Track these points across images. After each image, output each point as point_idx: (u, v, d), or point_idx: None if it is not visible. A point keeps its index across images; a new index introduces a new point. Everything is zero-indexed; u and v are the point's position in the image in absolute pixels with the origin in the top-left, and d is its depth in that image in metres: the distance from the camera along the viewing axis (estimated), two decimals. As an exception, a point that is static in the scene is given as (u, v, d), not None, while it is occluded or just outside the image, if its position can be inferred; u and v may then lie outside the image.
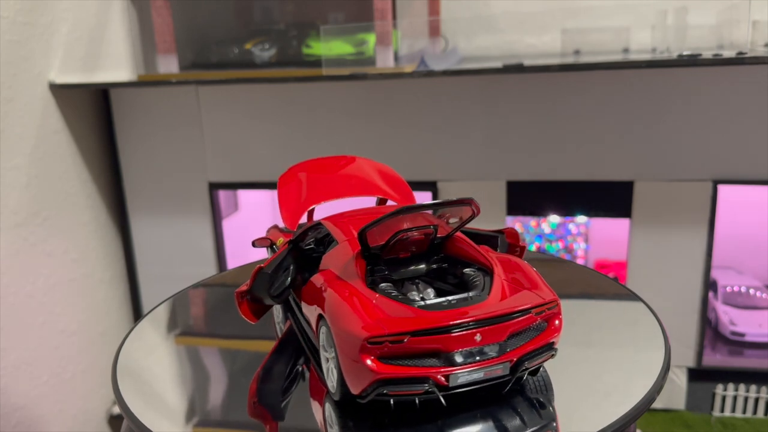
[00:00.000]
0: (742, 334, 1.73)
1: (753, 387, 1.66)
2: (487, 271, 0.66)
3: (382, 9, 1.45)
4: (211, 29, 1.77)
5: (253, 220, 2.13)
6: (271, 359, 0.77)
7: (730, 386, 1.67)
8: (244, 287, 0.72)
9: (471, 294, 0.62)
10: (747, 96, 1.51)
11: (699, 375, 1.69)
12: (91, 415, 1.72)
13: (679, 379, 1.69)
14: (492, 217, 1.66)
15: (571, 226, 2.05)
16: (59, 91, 1.57)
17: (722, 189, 1.57)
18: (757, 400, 1.67)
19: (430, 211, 0.72)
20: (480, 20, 1.75)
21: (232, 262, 1.86)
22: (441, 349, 0.58)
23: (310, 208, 0.81)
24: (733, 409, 1.68)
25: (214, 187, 1.78)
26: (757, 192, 1.81)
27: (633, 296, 0.89)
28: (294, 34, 1.65)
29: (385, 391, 0.58)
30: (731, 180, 1.56)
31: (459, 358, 0.59)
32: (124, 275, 1.86)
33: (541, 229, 2.06)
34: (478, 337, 0.59)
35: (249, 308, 0.72)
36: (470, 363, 0.59)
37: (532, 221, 2.05)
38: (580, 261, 2.05)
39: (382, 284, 0.65)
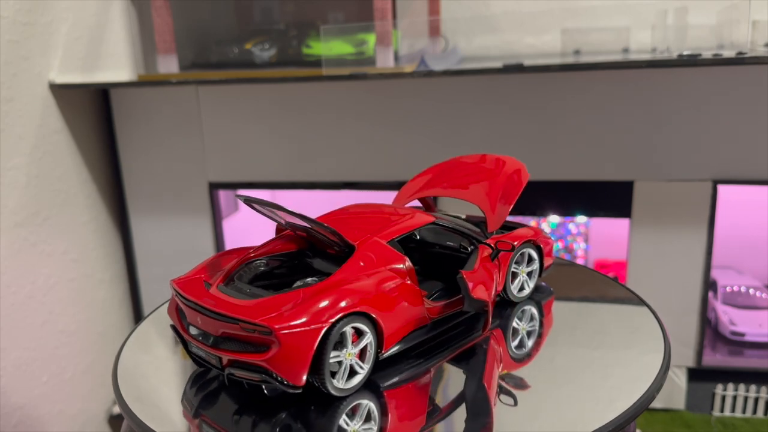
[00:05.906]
0: (742, 334, 1.74)
1: (753, 387, 1.66)
2: None
3: (382, 9, 1.45)
4: (211, 29, 1.77)
5: (253, 220, 2.13)
6: None
7: (730, 386, 1.67)
8: None
9: (280, 291, 0.68)
10: (747, 96, 1.51)
11: (699, 375, 1.69)
12: (91, 415, 1.72)
13: (678, 378, 1.69)
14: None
15: (571, 226, 2.05)
16: (59, 91, 1.57)
17: (722, 189, 1.57)
18: (757, 400, 1.67)
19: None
20: (480, 20, 1.75)
21: (232, 262, 1.86)
22: (186, 316, 0.70)
23: (421, 198, 0.90)
24: (733, 409, 1.68)
25: (214, 187, 1.78)
26: (757, 192, 1.81)
27: (633, 296, 0.89)
28: (294, 34, 1.65)
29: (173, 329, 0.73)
30: (731, 180, 1.56)
31: (193, 331, 0.69)
32: (124, 275, 1.86)
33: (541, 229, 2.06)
34: (198, 320, 0.67)
35: None
36: (195, 339, 0.68)
37: (532, 221, 2.05)
38: (580, 261, 2.05)
39: (257, 260, 0.77)
